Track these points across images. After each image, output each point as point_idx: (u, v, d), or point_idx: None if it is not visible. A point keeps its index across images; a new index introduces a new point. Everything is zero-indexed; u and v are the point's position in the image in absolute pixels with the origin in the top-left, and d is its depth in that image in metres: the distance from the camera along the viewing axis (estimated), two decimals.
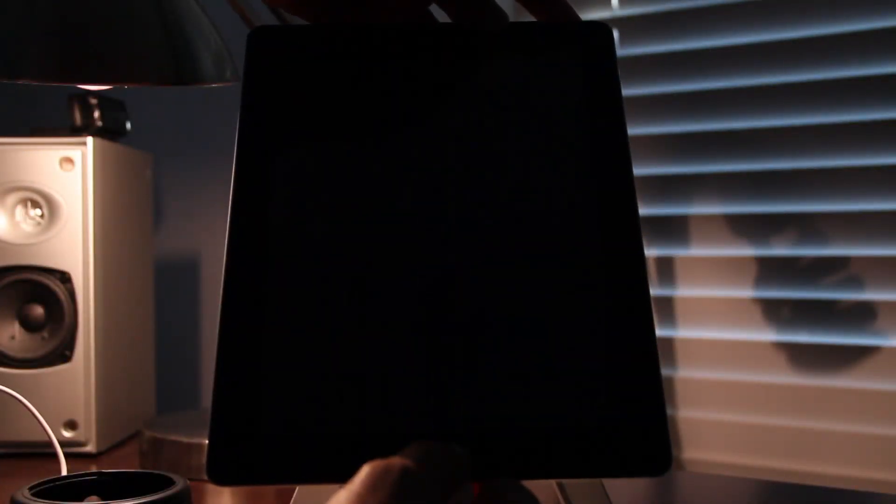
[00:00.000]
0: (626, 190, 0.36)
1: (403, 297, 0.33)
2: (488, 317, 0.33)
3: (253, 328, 0.33)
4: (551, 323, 0.33)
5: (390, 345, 0.33)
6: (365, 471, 0.29)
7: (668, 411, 0.92)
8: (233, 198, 0.35)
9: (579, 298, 0.34)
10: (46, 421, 0.82)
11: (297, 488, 0.41)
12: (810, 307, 0.86)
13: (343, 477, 0.30)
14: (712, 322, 0.90)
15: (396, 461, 0.29)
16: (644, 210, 0.93)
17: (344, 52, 0.38)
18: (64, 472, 0.61)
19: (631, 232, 0.35)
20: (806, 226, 0.87)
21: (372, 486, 0.28)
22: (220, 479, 0.31)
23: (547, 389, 0.32)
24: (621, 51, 0.94)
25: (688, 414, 0.91)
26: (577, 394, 0.32)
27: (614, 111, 0.37)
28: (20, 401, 0.62)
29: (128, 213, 0.91)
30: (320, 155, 0.36)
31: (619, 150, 0.36)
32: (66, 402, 0.82)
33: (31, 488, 0.54)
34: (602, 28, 0.39)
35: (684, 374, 0.91)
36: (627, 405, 0.32)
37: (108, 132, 0.91)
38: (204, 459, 0.72)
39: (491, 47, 0.38)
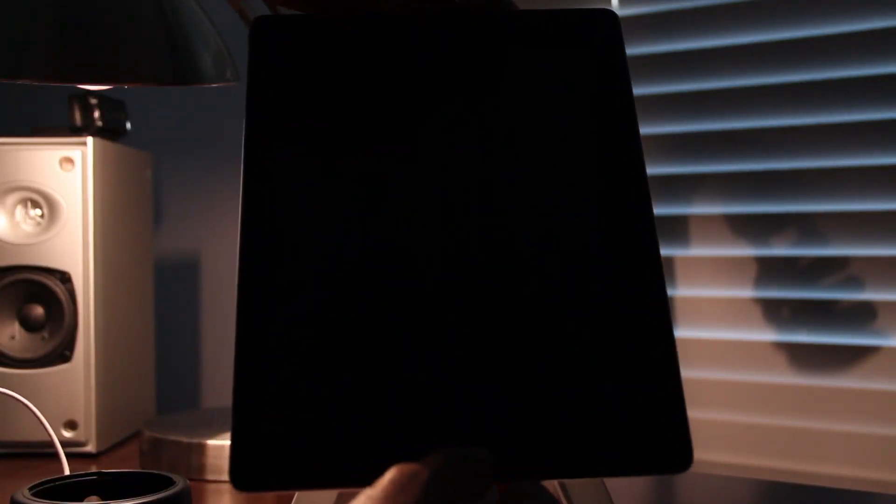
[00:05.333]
0: (639, 183, 0.35)
1: (423, 300, 0.33)
2: (507, 319, 0.33)
3: (273, 332, 0.33)
4: (570, 322, 0.33)
5: (411, 349, 0.33)
6: (392, 473, 0.29)
7: None
8: (243, 197, 0.35)
9: (596, 298, 0.34)
10: (46, 421, 0.82)
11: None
12: (810, 307, 0.86)
13: (367, 481, 0.30)
14: (712, 322, 0.90)
15: (423, 465, 0.29)
16: None
17: (349, 42, 0.37)
18: (66, 472, 0.61)
19: (645, 227, 0.35)
20: (806, 226, 0.87)
21: (399, 488, 0.28)
22: (244, 485, 0.31)
23: (567, 389, 0.32)
24: None
25: (688, 414, 0.91)
26: (598, 393, 0.32)
27: (623, 102, 0.37)
28: (23, 402, 0.62)
29: (128, 213, 0.91)
30: (330, 149, 0.36)
31: (630, 141, 0.36)
32: (66, 402, 0.82)
33: (31, 488, 0.54)
34: (609, 16, 0.38)
35: (684, 374, 0.91)
36: (647, 403, 0.32)
37: (108, 132, 0.91)
38: (204, 459, 0.72)
39: (497, 36, 0.38)
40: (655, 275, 0.34)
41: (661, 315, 0.33)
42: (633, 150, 0.36)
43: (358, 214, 0.34)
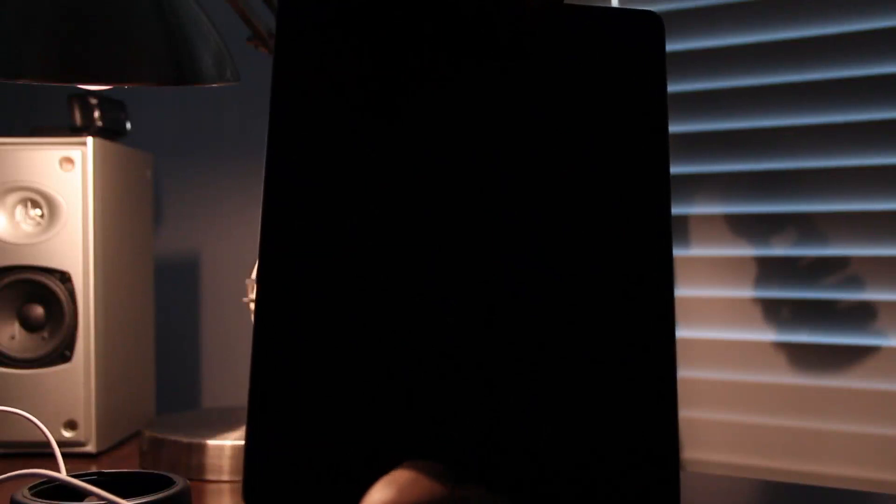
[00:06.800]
0: (661, 199, 0.35)
1: (442, 321, 0.33)
2: (520, 350, 0.33)
3: (288, 352, 0.32)
4: (576, 366, 0.33)
5: (421, 379, 0.32)
6: (405, 464, 0.29)
7: None
8: (266, 184, 0.34)
9: (604, 337, 0.33)
10: (46, 421, 0.82)
11: None
12: (810, 307, 0.86)
13: None
14: (712, 322, 0.90)
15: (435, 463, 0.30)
16: None
17: (378, 20, 0.36)
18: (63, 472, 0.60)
19: (661, 254, 0.34)
20: (806, 226, 0.87)
21: (415, 471, 0.29)
22: (255, 501, 0.31)
23: (568, 433, 0.32)
24: None
25: (688, 414, 0.91)
26: (596, 437, 0.32)
27: (658, 107, 0.36)
28: (21, 414, 0.62)
29: (128, 213, 0.91)
30: (355, 137, 0.35)
31: (659, 151, 0.35)
32: (66, 402, 0.82)
33: (30, 488, 0.54)
34: (653, 18, 0.37)
35: (684, 374, 0.91)
36: (643, 453, 0.32)
37: (108, 132, 0.91)
38: (204, 459, 0.72)
39: (539, 27, 0.37)
40: (666, 325, 0.34)
41: (666, 371, 0.33)
42: (660, 157, 0.35)
43: (379, 219, 0.34)
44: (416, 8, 0.36)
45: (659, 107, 0.36)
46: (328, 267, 0.34)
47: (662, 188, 0.35)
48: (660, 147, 0.36)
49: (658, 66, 0.36)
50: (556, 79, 0.36)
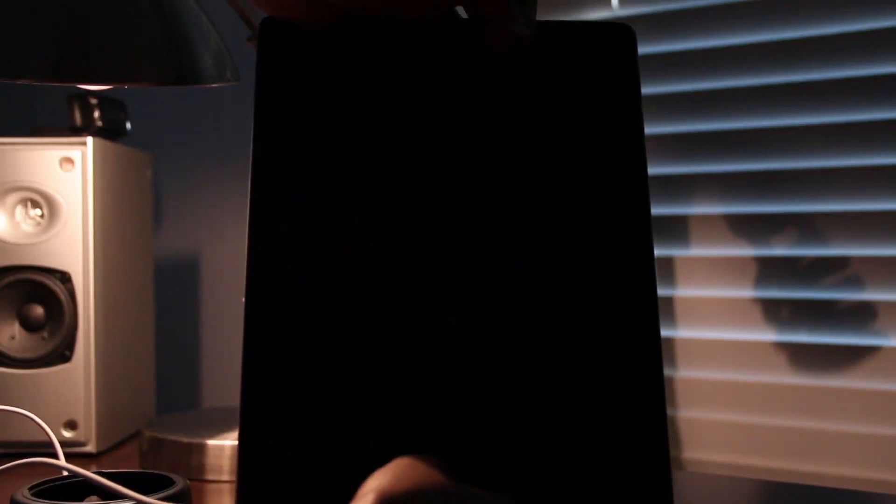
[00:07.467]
0: (640, 213, 0.35)
1: (432, 321, 0.33)
2: (509, 354, 0.33)
3: (280, 353, 0.32)
4: (567, 364, 0.33)
5: (418, 374, 0.32)
6: (399, 458, 0.29)
7: (669, 411, 0.92)
8: (251, 207, 0.34)
9: (591, 336, 0.33)
10: (46, 421, 0.82)
11: None
12: (810, 307, 0.86)
13: None
14: (712, 322, 0.90)
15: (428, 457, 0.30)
16: None
17: (359, 43, 0.37)
18: (65, 472, 0.61)
19: (643, 258, 0.34)
20: (806, 226, 0.87)
21: (410, 466, 0.29)
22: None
23: (558, 439, 0.32)
24: None
25: (688, 414, 0.91)
26: (586, 436, 0.32)
27: (632, 119, 0.37)
28: (24, 414, 0.62)
29: (128, 213, 0.91)
30: (338, 151, 0.35)
31: (635, 161, 0.36)
32: (66, 402, 0.82)
33: (31, 488, 0.54)
34: (625, 30, 0.38)
35: (684, 374, 0.91)
36: (633, 460, 0.32)
37: (108, 132, 0.91)
38: (204, 459, 0.72)
39: (511, 62, 0.37)
40: (650, 322, 0.34)
41: (652, 368, 0.33)
42: (636, 167, 0.36)
43: (364, 227, 0.34)
44: (394, 35, 0.37)
45: (634, 115, 0.37)
46: (317, 267, 0.34)
47: (641, 190, 0.36)
48: (636, 152, 0.36)
49: (632, 75, 0.37)
50: (533, 93, 0.37)
